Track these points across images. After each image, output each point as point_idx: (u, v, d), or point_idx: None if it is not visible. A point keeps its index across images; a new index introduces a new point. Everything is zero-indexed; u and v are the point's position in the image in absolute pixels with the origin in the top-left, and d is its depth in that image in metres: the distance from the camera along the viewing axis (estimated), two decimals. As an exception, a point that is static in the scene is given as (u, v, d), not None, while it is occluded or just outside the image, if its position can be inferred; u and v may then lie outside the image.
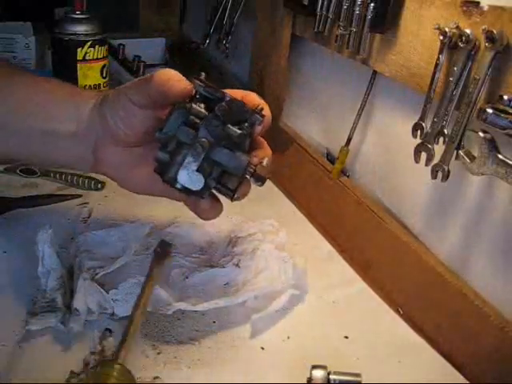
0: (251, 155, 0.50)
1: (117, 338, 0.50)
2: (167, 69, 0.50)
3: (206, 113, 0.48)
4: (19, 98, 0.55)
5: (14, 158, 0.60)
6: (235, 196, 0.51)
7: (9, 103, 0.55)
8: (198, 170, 0.48)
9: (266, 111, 0.51)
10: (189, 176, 0.48)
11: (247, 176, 0.49)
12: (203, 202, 0.52)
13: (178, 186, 0.49)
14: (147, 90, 0.49)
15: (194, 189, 0.49)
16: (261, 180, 0.50)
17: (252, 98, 0.51)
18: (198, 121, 0.48)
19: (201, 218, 0.54)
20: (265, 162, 0.50)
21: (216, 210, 0.53)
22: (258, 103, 0.51)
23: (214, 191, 0.52)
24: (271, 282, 0.57)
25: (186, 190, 0.49)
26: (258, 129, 0.51)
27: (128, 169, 0.54)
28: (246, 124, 0.49)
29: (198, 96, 0.49)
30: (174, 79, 0.49)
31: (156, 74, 0.49)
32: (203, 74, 0.50)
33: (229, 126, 0.48)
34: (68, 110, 0.54)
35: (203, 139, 0.48)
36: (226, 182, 0.51)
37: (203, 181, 0.48)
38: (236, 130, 0.48)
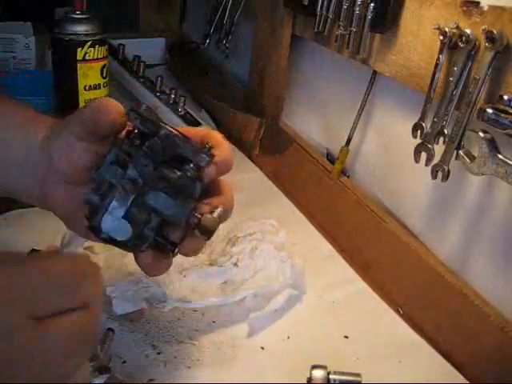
0: (200, 203, 0.43)
1: (117, 337, 0.50)
2: (106, 98, 0.46)
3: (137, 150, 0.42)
4: None
5: None
6: (176, 250, 0.45)
7: None
8: (124, 217, 0.41)
9: (223, 152, 0.45)
10: (114, 223, 0.42)
11: (193, 227, 0.42)
12: (143, 255, 0.45)
13: (103, 235, 0.42)
14: (81, 118, 0.46)
15: (119, 239, 0.42)
16: (206, 234, 0.43)
17: (212, 137, 0.46)
18: (128, 159, 0.42)
19: (145, 273, 0.47)
20: (216, 213, 0.43)
21: (161, 265, 0.46)
22: (215, 142, 0.44)
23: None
24: (269, 282, 0.57)
25: (112, 241, 0.42)
26: (210, 171, 0.43)
27: (73, 209, 0.47)
28: (192, 165, 0.42)
29: (136, 131, 0.43)
30: (105, 110, 0.44)
31: (92, 102, 0.46)
32: (144, 104, 0.43)
33: (164, 167, 0.41)
34: (20, 137, 0.50)
35: (126, 180, 0.41)
36: (167, 234, 0.44)
37: (130, 230, 0.42)
38: (174, 172, 0.41)
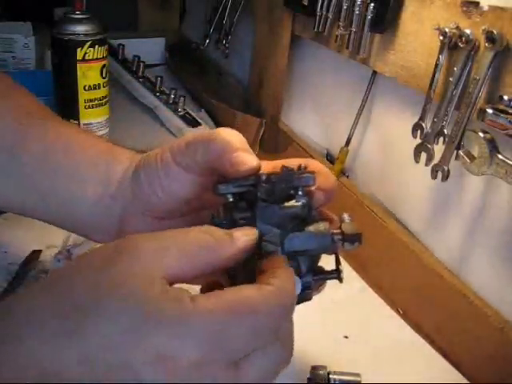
0: (326, 220, 0.39)
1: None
2: (234, 133, 0.41)
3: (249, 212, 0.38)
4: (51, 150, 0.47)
5: (28, 215, 0.50)
6: (342, 275, 0.41)
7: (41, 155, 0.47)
8: None
9: (329, 178, 0.41)
10: None
11: (340, 244, 0.39)
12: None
13: None
14: (207, 149, 0.40)
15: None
16: (357, 239, 0.39)
17: (312, 164, 0.41)
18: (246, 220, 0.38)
19: None
20: (346, 217, 0.40)
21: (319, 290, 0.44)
22: (318, 169, 0.40)
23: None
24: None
25: None
26: (319, 197, 0.40)
27: None
28: (300, 192, 0.38)
29: (231, 199, 0.38)
30: (241, 150, 0.39)
31: (219, 135, 0.40)
32: (221, 177, 0.40)
33: (284, 204, 0.37)
34: (97, 170, 0.46)
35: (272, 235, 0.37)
36: (321, 267, 0.41)
37: (300, 282, 0.37)
38: (294, 204, 0.37)
